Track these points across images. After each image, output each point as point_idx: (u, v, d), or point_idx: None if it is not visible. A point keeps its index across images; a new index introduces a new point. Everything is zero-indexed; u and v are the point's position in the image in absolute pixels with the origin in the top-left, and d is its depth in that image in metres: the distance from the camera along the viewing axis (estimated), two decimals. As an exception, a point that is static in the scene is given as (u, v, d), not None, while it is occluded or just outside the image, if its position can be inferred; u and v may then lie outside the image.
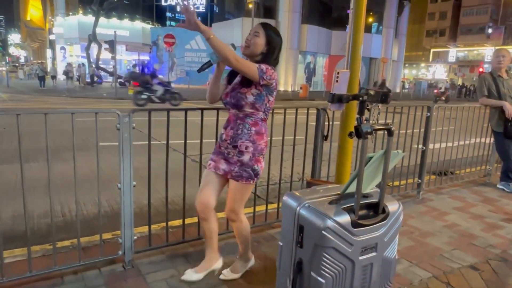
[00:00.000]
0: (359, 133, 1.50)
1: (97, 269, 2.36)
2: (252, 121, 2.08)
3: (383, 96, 1.55)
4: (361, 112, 1.57)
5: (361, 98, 1.56)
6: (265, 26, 2.10)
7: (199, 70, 2.11)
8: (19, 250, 2.62)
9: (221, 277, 2.31)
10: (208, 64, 2.07)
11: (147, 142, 2.50)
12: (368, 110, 1.60)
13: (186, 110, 2.56)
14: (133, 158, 2.31)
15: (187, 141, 2.61)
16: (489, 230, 3.32)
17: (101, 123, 2.26)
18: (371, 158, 1.62)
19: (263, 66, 1.99)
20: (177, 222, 3.00)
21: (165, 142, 2.56)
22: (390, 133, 1.57)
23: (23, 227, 2.18)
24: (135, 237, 2.46)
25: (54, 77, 26.47)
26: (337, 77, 1.77)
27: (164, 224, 2.73)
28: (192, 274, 2.28)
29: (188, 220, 2.81)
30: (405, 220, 3.44)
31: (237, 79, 2.15)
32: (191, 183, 2.75)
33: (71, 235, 2.83)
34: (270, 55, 2.09)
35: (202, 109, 2.60)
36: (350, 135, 1.55)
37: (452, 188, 4.57)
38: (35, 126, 2.19)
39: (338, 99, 1.60)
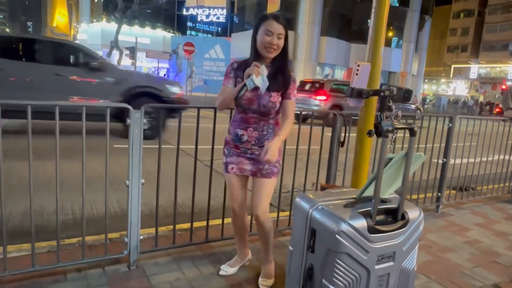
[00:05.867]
0: (379, 131, 1.40)
1: (101, 268, 2.30)
2: (274, 121, 2.12)
3: (406, 94, 1.45)
4: (381, 109, 1.48)
5: (382, 94, 1.47)
6: (283, 24, 2.05)
7: (237, 97, 2.01)
8: (25, 245, 2.58)
9: (261, 287, 2.25)
10: (245, 90, 1.98)
11: (158, 144, 2.45)
12: (389, 107, 1.50)
13: (199, 108, 2.51)
14: (147, 160, 2.26)
15: (200, 147, 2.55)
16: (513, 248, 3.13)
17: (116, 125, 2.22)
18: (391, 159, 1.51)
19: (294, 88, 2.06)
20: (186, 226, 2.93)
21: (179, 146, 2.51)
22: (412, 133, 1.47)
23: (33, 223, 2.14)
24: (142, 237, 2.40)
25: None
26: (357, 70, 1.68)
27: (171, 226, 2.66)
28: (228, 269, 2.38)
29: (196, 224, 2.73)
30: (423, 234, 3.28)
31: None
32: (201, 186, 2.68)
33: (80, 232, 2.78)
34: (286, 54, 2.08)
35: (215, 108, 2.54)
36: (369, 133, 1.46)
37: (474, 203, 4.37)
38: (53, 125, 2.17)
39: (357, 94, 1.51)
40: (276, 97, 2.04)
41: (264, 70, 1.93)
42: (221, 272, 2.34)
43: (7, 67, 6.02)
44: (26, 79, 6.15)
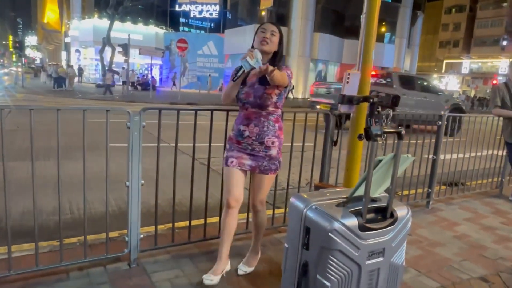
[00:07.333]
0: (368, 135, 1.49)
1: (102, 267, 2.37)
2: (274, 118, 2.21)
3: (394, 99, 1.53)
4: (371, 114, 1.56)
5: (371, 100, 1.56)
6: (277, 26, 2.24)
7: (235, 79, 2.10)
8: (27, 245, 2.65)
9: (240, 272, 2.40)
10: (242, 72, 2.06)
11: (157, 144, 2.51)
12: (379, 112, 1.59)
13: (196, 110, 2.57)
14: (143, 159, 2.33)
15: (196, 145, 2.62)
16: (500, 242, 3.25)
17: (111, 124, 2.27)
18: (380, 161, 1.60)
19: (289, 71, 2.16)
20: (183, 224, 3.00)
21: (174, 144, 2.58)
22: (400, 136, 1.56)
23: (32, 223, 2.20)
24: (141, 236, 2.47)
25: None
26: (348, 78, 1.76)
27: (170, 224, 2.74)
28: (212, 277, 2.24)
29: (194, 222, 2.81)
30: (414, 229, 3.39)
31: (254, 79, 2.21)
32: (198, 185, 2.75)
33: (79, 232, 2.84)
34: (281, 54, 2.23)
35: (212, 110, 2.62)
36: (360, 137, 1.54)
37: (463, 199, 4.49)
38: (48, 125, 2.23)
39: (348, 100, 1.59)
40: (270, 89, 2.14)
41: (258, 53, 2.00)
42: (205, 282, 2.20)
43: (406, 94, 10.45)
44: (412, 101, 10.64)
